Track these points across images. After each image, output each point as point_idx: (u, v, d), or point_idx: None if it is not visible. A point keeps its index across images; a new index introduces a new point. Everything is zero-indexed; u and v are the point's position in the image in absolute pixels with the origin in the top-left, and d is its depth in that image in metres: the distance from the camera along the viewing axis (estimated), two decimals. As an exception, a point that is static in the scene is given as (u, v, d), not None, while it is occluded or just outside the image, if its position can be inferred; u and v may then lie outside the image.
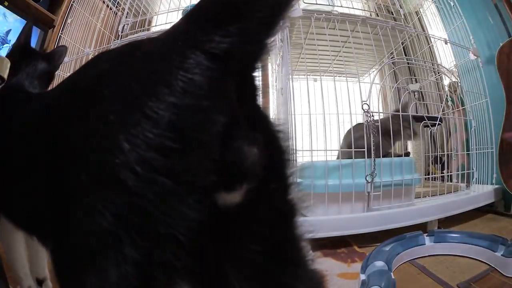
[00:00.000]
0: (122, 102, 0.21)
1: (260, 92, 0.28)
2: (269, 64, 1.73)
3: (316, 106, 1.23)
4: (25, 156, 0.32)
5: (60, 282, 0.22)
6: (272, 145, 0.27)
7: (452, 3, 1.51)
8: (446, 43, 1.55)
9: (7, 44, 1.55)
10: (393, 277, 0.67)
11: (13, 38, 1.58)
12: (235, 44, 0.23)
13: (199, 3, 0.27)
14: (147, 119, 0.19)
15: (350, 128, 1.24)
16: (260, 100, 0.28)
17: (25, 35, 0.69)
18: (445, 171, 1.56)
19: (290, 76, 1.15)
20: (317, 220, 0.99)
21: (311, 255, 0.31)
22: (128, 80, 0.22)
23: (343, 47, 1.33)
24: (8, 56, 0.65)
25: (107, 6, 1.82)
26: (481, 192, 1.29)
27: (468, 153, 1.43)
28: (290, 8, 0.26)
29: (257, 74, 0.28)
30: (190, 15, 0.27)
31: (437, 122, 1.27)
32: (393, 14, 1.47)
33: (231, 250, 0.26)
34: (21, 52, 0.66)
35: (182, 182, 0.19)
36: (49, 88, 0.71)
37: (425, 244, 0.89)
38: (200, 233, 0.20)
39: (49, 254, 0.24)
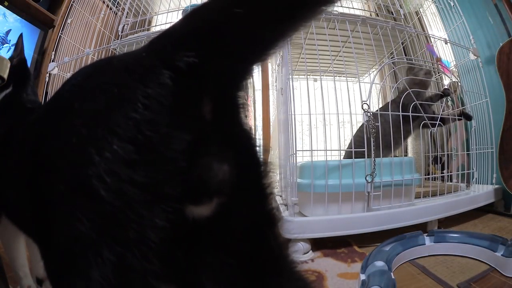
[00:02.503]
0: (90, 116, 0.22)
1: (243, 108, 0.28)
2: (269, 64, 1.74)
3: (316, 106, 1.24)
4: (15, 164, 0.35)
5: (51, 283, 0.24)
6: (248, 160, 0.28)
7: (452, 3, 1.51)
8: (446, 43, 1.55)
9: (7, 44, 1.55)
10: (393, 277, 0.67)
11: (13, 38, 1.58)
12: (202, 61, 0.23)
13: (176, 22, 0.28)
14: (112, 134, 0.20)
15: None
16: (243, 116, 0.29)
17: (20, 48, 0.71)
18: (445, 171, 1.56)
19: (290, 76, 1.15)
20: (317, 220, 0.99)
21: (297, 263, 0.31)
22: (94, 94, 0.23)
23: (343, 47, 1.33)
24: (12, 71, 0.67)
25: (107, 6, 1.82)
26: (481, 192, 1.28)
27: (468, 153, 1.43)
28: (274, 47, 0.25)
29: (240, 92, 0.28)
30: (164, 30, 0.27)
31: (437, 122, 1.27)
32: (393, 14, 1.47)
33: (208, 261, 0.26)
34: (24, 73, 0.69)
35: (148, 192, 0.20)
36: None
37: (425, 244, 0.89)
38: (172, 241, 0.21)
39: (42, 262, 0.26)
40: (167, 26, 1.39)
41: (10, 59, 0.68)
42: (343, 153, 1.32)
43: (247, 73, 0.27)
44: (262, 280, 0.28)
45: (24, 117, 0.52)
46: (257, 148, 0.29)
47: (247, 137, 0.29)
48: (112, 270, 0.19)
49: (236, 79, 0.27)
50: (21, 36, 0.71)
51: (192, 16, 0.27)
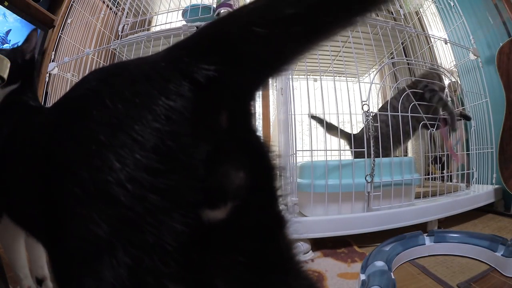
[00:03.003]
0: (110, 124, 0.22)
1: (256, 115, 0.29)
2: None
3: (316, 106, 1.24)
4: (26, 165, 0.35)
5: (58, 282, 0.24)
6: (261, 165, 0.29)
7: (452, 3, 1.51)
8: (446, 43, 1.55)
9: (7, 44, 1.55)
10: (393, 277, 0.67)
11: (13, 38, 1.58)
12: (220, 75, 0.23)
13: (194, 32, 0.28)
14: (134, 142, 0.21)
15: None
16: (255, 122, 0.30)
17: (35, 45, 0.70)
18: (445, 171, 1.56)
19: (290, 76, 1.15)
20: (317, 220, 0.99)
21: (302, 263, 0.32)
22: (114, 102, 0.23)
23: (343, 47, 1.33)
24: (22, 66, 0.66)
25: (107, 6, 1.82)
26: (481, 192, 1.29)
27: (468, 153, 1.43)
28: (291, 61, 0.26)
29: (254, 101, 0.29)
30: (181, 41, 0.28)
31: (436, 123, 1.27)
32: (393, 14, 1.47)
33: (219, 261, 0.27)
34: (33, 66, 0.69)
35: (169, 199, 0.21)
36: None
37: (425, 244, 0.89)
38: (188, 244, 0.22)
39: (47, 256, 0.26)
40: (167, 26, 1.39)
41: (19, 50, 0.67)
42: (343, 153, 1.32)
43: (263, 84, 0.27)
44: (270, 279, 0.29)
45: (31, 116, 0.52)
46: (269, 153, 0.30)
47: (259, 143, 0.30)
48: (127, 272, 0.20)
49: (252, 90, 0.28)
50: (35, 30, 0.70)
51: (213, 27, 0.27)
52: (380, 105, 1.46)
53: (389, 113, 1.22)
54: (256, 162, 0.28)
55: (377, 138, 1.13)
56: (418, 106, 1.24)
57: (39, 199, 0.28)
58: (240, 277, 0.28)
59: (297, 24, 0.23)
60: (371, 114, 1.09)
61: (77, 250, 0.21)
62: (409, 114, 1.23)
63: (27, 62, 0.68)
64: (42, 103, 0.80)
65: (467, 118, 1.40)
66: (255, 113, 0.29)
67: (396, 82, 1.39)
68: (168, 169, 0.21)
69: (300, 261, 0.32)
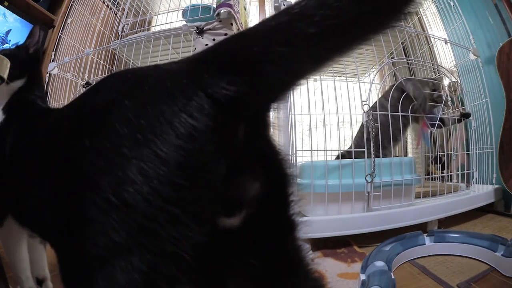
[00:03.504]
0: (135, 139, 0.22)
1: (271, 125, 0.30)
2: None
3: (316, 106, 1.23)
4: (38, 169, 0.36)
5: (67, 283, 0.25)
6: (276, 173, 0.30)
7: (452, 3, 1.51)
8: (446, 43, 1.55)
9: (7, 44, 1.55)
10: (393, 277, 0.67)
11: (13, 38, 1.58)
12: (238, 94, 0.24)
13: (211, 46, 0.28)
14: (157, 157, 0.22)
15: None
16: (270, 131, 0.30)
17: (38, 43, 0.69)
18: (445, 171, 1.56)
19: (290, 76, 1.15)
20: (317, 220, 0.99)
21: (311, 264, 0.33)
22: (137, 116, 0.23)
23: (343, 47, 1.33)
24: (27, 61, 0.65)
25: (107, 6, 1.82)
26: (481, 192, 1.29)
27: (468, 153, 1.43)
28: (308, 77, 0.26)
29: (270, 112, 0.29)
30: (203, 54, 0.28)
31: (437, 123, 1.27)
32: (393, 14, 1.46)
33: (232, 264, 0.28)
34: (38, 61, 0.68)
35: (189, 212, 0.22)
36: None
37: (425, 244, 0.89)
38: (204, 250, 0.23)
39: (56, 259, 0.27)
40: (167, 26, 1.38)
41: (23, 46, 0.67)
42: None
43: (282, 98, 0.28)
44: (281, 281, 0.31)
45: (42, 118, 0.51)
46: (284, 160, 0.31)
47: (275, 151, 0.31)
48: (141, 277, 0.20)
49: (270, 103, 0.28)
50: (37, 27, 0.70)
51: (234, 44, 0.27)
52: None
53: (389, 113, 1.22)
54: (271, 171, 0.29)
55: (373, 137, 1.13)
56: (402, 102, 1.25)
57: (53, 203, 0.28)
58: (252, 279, 0.29)
59: (319, 43, 0.24)
60: (371, 114, 1.09)
61: (92, 254, 0.21)
62: (410, 114, 1.23)
63: (32, 56, 0.67)
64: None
65: (467, 116, 1.39)
66: (271, 122, 0.30)
67: (396, 82, 1.39)
68: (190, 185, 0.22)
69: (308, 262, 0.33)
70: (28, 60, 0.65)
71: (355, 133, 1.34)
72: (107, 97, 0.27)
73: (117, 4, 1.77)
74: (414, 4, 0.24)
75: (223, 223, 0.26)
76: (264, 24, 0.26)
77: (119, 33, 1.44)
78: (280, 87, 0.26)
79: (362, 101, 1.10)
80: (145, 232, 0.21)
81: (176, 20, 1.40)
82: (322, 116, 1.12)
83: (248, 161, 0.27)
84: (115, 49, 1.46)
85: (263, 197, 0.27)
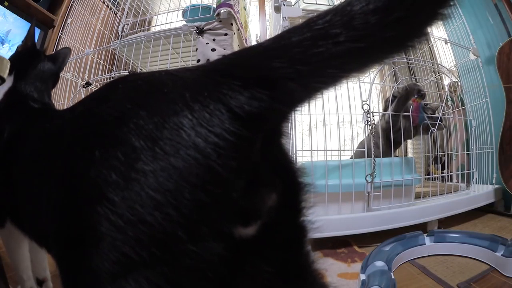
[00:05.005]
0: (151, 152, 0.22)
1: (288, 134, 0.30)
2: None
3: (316, 106, 1.24)
4: (40, 177, 0.34)
5: None
6: (291, 183, 0.30)
7: (452, 6, 1.51)
8: (446, 43, 1.55)
9: (7, 44, 1.55)
10: (393, 277, 0.67)
11: (13, 38, 1.58)
12: (260, 110, 0.23)
13: (228, 56, 0.28)
14: (178, 173, 0.21)
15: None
16: (284, 141, 0.30)
17: (30, 38, 0.69)
18: (445, 171, 1.56)
19: (290, 76, 1.15)
20: (317, 220, 0.99)
21: (319, 269, 0.34)
22: (154, 129, 0.22)
23: (343, 47, 1.33)
24: (15, 58, 0.65)
25: (107, 6, 1.82)
26: (481, 192, 1.29)
27: (468, 153, 1.43)
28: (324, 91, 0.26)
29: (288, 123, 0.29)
30: (219, 65, 0.27)
31: (437, 122, 1.27)
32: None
33: (246, 271, 0.28)
34: (28, 56, 0.67)
35: (209, 227, 0.22)
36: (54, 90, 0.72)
37: (425, 244, 0.89)
38: (221, 261, 0.23)
39: (58, 270, 0.26)
40: (167, 26, 1.38)
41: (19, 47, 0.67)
42: (343, 153, 1.32)
43: (297, 109, 0.27)
44: (290, 286, 0.31)
45: (33, 119, 0.50)
46: (298, 170, 0.31)
47: (289, 161, 0.31)
48: None
49: (287, 116, 0.28)
50: (33, 23, 0.70)
51: (255, 58, 0.26)
52: (380, 106, 1.46)
53: (389, 113, 1.22)
54: (287, 182, 0.29)
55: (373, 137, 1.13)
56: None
57: (56, 214, 0.27)
58: (265, 285, 0.29)
59: (340, 65, 0.24)
60: (372, 113, 1.09)
61: (103, 268, 0.21)
62: (410, 114, 1.23)
63: (18, 54, 0.66)
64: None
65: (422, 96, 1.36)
66: (288, 132, 0.30)
67: (396, 82, 1.39)
68: (211, 201, 0.22)
69: (317, 268, 0.33)
70: (14, 60, 0.62)
71: (355, 133, 1.34)
72: (119, 107, 0.26)
73: (117, 4, 1.77)
74: (428, 31, 0.25)
75: (240, 233, 0.26)
76: (286, 38, 0.25)
77: (119, 33, 1.44)
78: (298, 101, 0.26)
79: (362, 101, 1.10)
80: (164, 248, 0.21)
81: (176, 20, 1.40)
82: (322, 116, 1.12)
83: (265, 172, 0.27)
84: (115, 49, 1.46)
85: (279, 206, 0.28)
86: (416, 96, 1.27)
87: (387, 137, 1.24)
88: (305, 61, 0.23)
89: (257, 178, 0.26)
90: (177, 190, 0.21)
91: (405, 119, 1.26)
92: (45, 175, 0.33)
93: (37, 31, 1.71)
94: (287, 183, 0.29)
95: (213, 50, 1.14)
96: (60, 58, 0.74)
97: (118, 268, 0.21)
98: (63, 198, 0.27)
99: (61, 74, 1.58)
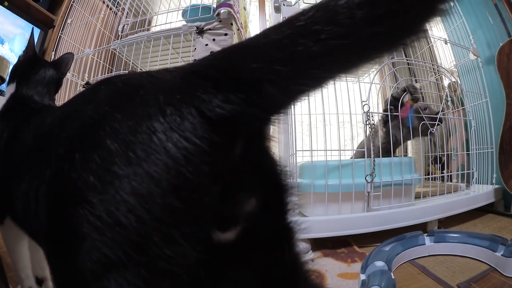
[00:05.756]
0: (125, 156, 0.22)
1: (270, 138, 0.29)
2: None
3: (316, 106, 1.24)
4: (30, 176, 0.35)
5: None
6: (273, 186, 0.29)
7: (452, 3, 1.51)
8: (446, 43, 1.55)
9: (6, 44, 1.55)
10: (393, 277, 0.67)
11: (13, 38, 1.58)
12: (234, 114, 0.22)
13: (208, 57, 0.27)
14: (149, 178, 0.21)
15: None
16: (269, 144, 0.29)
17: (31, 48, 0.72)
18: (445, 171, 1.56)
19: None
20: (317, 220, 0.99)
21: (311, 268, 0.33)
22: (128, 133, 0.22)
23: (343, 47, 1.33)
24: (17, 67, 0.69)
25: (107, 6, 1.82)
26: (481, 192, 1.28)
27: (468, 153, 1.43)
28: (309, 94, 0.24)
29: (270, 125, 0.27)
30: (198, 65, 0.26)
31: (437, 122, 1.27)
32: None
33: (231, 276, 0.27)
34: (29, 64, 0.70)
35: (184, 232, 0.21)
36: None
37: (425, 244, 0.89)
38: (199, 266, 0.22)
39: (49, 270, 0.27)
40: (167, 26, 1.38)
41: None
42: (343, 153, 1.32)
43: (281, 112, 0.25)
44: None
45: (33, 117, 0.51)
46: (281, 172, 0.29)
47: (272, 163, 0.29)
48: None
49: (268, 118, 0.26)
50: (32, 32, 0.71)
51: (231, 59, 0.25)
52: (380, 106, 1.46)
53: (389, 113, 1.22)
54: (269, 184, 0.28)
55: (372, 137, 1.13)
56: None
57: (45, 212, 0.28)
58: None
59: (323, 65, 0.22)
60: (371, 114, 1.09)
61: (86, 268, 0.21)
62: (411, 114, 1.23)
63: (21, 63, 0.69)
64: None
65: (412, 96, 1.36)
66: (270, 135, 0.28)
67: (396, 82, 1.39)
68: (184, 207, 0.21)
69: (308, 269, 0.33)
70: (15, 68, 0.68)
71: (355, 133, 1.34)
72: (98, 109, 0.26)
73: (117, 4, 1.77)
74: (426, 28, 0.23)
75: (218, 237, 0.25)
76: (266, 37, 0.24)
77: (119, 33, 1.44)
78: (278, 105, 0.25)
79: (362, 101, 1.10)
80: (139, 250, 0.21)
81: (176, 20, 1.40)
82: (322, 116, 1.11)
83: (244, 177, 0.26)
84: (115, 49, 1.46)
85: (259, 211, 0.27)
86: (409, 98, 1.28)
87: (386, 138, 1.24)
88: (284, 61, 0.22)
89: (236, 183, 0.25)
90: (150, 195, 0.21)
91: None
92: (35, 173, 0.33)
93: (37, 31, 1.71)
94: (270, 187, 0.28)
95: (212, 52, 1.14)
96: (63, 63, 0.76)
97: (100, 268, 0.21)
98: (50, 198, 0.27)
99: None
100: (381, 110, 1.43)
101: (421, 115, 1.28)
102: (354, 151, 1.31)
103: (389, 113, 1.21)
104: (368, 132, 1.10)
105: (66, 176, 0.24)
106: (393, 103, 1.28)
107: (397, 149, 1.41)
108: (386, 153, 1.26)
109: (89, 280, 0.21)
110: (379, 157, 1.14)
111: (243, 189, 0.26)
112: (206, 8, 1.29)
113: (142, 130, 0.22)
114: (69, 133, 0.28)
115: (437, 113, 1.30)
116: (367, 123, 1.09)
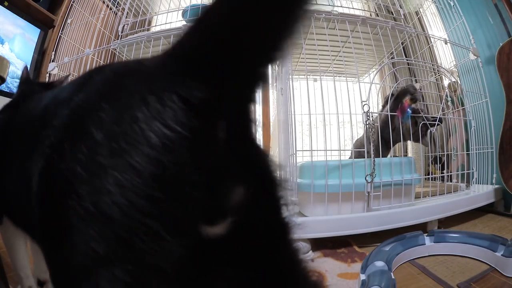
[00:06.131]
0: (109, 146, 0.21)
1: (254, 123, 0.28)
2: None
3: (316, 106, 1.24)
4: (20, 168, 0.34)
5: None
6: (262, 176, 0.28)
7: (452, 3, 1.51)
8: (446, 43, 1.55)
9: (6, 44, 1.55)
10: (393, 277, 0.67)
11: (13, 38, 1.58)
12: (213, 95, 0.22)
13: (188, 40, 0.26)
14: (132, 168, 0.21)
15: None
16: (254, 130, 0.28)
17: (25, 75, 0.71)
18: (445, 171, 1.56)
19: (290, 76, 1.15)
20: (317, 220, 0.99)
21: (309, 267, 0.32)
22: (112, 122, 0.22)
23: (343, 47, 1.33)
24: (16, 99, 0.68)
25: (107, 6, 1.82)
26: (481, 192, 1.29)
27: (468, 153, 1.43)
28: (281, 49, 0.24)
29: (252, 105, 0.27)
30: (176, 45, 0.26)
31: (437, 122, 1.27)
32: (393, 14, 1.47)
33: (223, 274, 0.26)
34: (23, 95, 0.70)
35: (167, 225, 0.21)
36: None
37: (425, 244, 0.89)
38: (187, 261, 0.22)
39: (46, 264, 0.27)
40: (167, 26, 1.38)
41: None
42: (343, 153, 1.32)
43: (261, 81, 0.25)
44: (275, 286, 0.29)
45: (27, 103, 0.50)
46: (269, 163, 0.29)
47: (259, 153, 0.29)
48: (125, 287, 0.20)
49: (250, 93, 0.26)
50: (25, 68, 0.71)
51: (196, 37, 0.25)
52: (380, 106, 1.46)
53: (389, 113, 1.22)
54: (256, 174, 0.27)
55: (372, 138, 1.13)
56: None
57: (38, 204, 0.27)
58: (244, 284, 0.28)
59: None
60: (371, 114, 1.09)
61: (77, 262, 0.21)
62: (410, 114, 1.23)
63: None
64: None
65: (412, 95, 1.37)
66: (254, 118, 0.28)
67: (396, 82, 1.39)
68: (167, 198, 0.21)
69: (307, 267, 0.32)
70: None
71: (355, 133, 1.34)
72: (87, 98, 0.26)
73: (117, 4, 1.77)
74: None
75: (207, 232, 0.25)
76: (211, 10, 0.24)
77: (119, 33, 1.44)
78: (251, 75, 0.24)
79: (362, 101, 1.10)
80: (124, 244, 0.20)
81: (176, 20, 1.40)
82: (322, 116, 1.12)
83: (230, 165, 0.25)
84: (115, 49, 1.46)
85: (249, 203, 0.26)
86: (408, 98, 1.28)
87: (383, 136, 1.24)
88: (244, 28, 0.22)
89: (221, 172, 0.24)
90: (132, 186, 0.20)
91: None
92: (28, 161, 0.32)
93: (37, 31, 1.71)
94: (259, 178, 0.28)
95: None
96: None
97: (89, 262, 0.21)
98: (42, 190, 0.27)
99: (61, 75, 1.58)
100: (380, 107, 1.43)
101: (418, 115, 1.28)
102: (353, 151, 1.31)
103: (389, 113, 1.21)
104: (368, 132, 1.10)
105: (57, 165, 0.24)
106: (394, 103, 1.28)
107: (397, 147, 1.41)
108: (386, 144, 1.26)
109: (81, 275, 0.21)
110: (380, 155, 1.14)
111: (228, 178, 0.25)
112: (206, 8, 1.29)
113: (125, 121, 0.22)
114: (59, 123, 0.27)
115: (434, 118, 1.30)
116: (367, 123, 1.09)
